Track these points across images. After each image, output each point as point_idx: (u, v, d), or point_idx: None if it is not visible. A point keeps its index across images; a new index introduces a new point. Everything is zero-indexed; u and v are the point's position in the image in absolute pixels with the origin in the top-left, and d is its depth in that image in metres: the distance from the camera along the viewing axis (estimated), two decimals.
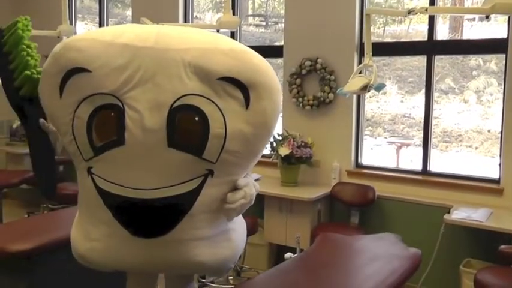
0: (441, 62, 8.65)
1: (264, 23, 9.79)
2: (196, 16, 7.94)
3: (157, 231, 2.09)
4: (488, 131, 9.53)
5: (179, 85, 1.99)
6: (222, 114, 2.01)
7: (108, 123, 2.02)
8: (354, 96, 5.71)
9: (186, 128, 2.00)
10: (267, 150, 5.76)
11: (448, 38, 7.56)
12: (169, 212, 2.06)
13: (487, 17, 3.52)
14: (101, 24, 8.23)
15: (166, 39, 2.05)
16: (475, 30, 8.32)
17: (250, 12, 10.25)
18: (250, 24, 9.70)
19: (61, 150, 2.40)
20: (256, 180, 5.61)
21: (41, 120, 2.34)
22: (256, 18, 10.09)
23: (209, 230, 2.17)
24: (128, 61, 2.01)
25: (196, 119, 1.99)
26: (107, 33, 2.10)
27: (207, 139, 1.99)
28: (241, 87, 2.03)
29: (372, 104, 8.52)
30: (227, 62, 2.03)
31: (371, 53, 4.07)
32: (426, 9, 3.70)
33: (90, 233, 2.19)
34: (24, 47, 2.46)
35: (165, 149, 1.99)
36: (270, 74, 2.11)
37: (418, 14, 3.68)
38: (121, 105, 2.00)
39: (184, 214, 2.08)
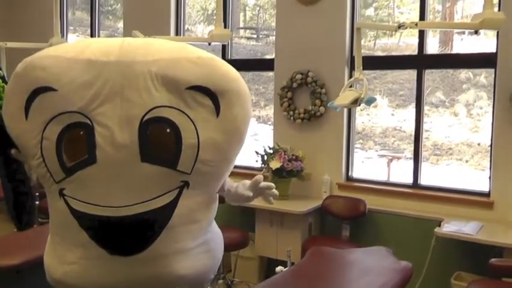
0: (431, 75, 8.70)
1: (255, 36, 9.83)
2: (187, 28, 7.96)
3: (135, 248, 2.04)
4: (478, 144, 9.58)
5: (148, 98, 1.97)
6: (194, 124, 1.99)
7: (78, 142, 1.97)
8: (345, 110, 5.73)
9: (158, 140, 1.98)
10: (257, 164, 5.78)
11: (438, 52, 7.61)
12: (147, 228, 2.03)
13: (476, 32, 3.53)
14: (92, 37, 8.23)
15: (130, 51, 2.02)
16: (465, 44, 8.39)
17: (241, 24, 10.28)
18: (242, 37, 9.73)
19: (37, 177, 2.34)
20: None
21: (13, 150, 2.22)
22: (248, 31, 10.12)
23: (189, 242, 2.14)
24: (94, 77, 1.98)
25: (168, 130, 1.97)
26: (70, 49, 2.06)
27: (181, 150, 1.97)
28: (210, 95, 2.01)
29: (363, 117, 8.55)
30: (195, 70, 2.02)
31: (361, 67, 4.09)
32: (416, 24, 3.73)
33: (65, 257, 2.12)
34: None
35: (138, 164, 1.96)
36: (239, 80, 2.10)
37: (408, 28, 3.69)
38: (90, 123, 1.96)
39: (163, 228, 2.04)
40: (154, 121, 1.96)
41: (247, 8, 10.24)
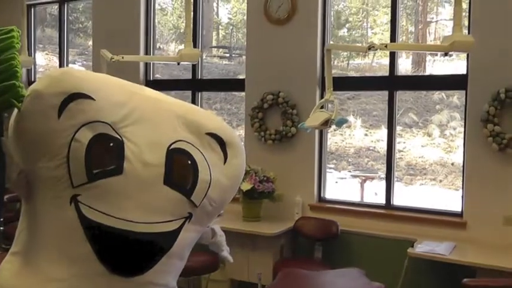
0: (404, 96, 8.81)
1: (228, 55, 9.87)
2: (159, 47, 7.99)
3: (137, 269, 2.05)
4: (452, 164, 9.69)
5: (173, 131, 2.16)
6: (207, 163, 2.17)
7: (107, 151, 2.04)
8: (317, 130, 5.77)
9: (180, 169, 2.12)
10: None
11: (411, 73, 7.71)
12: (151, 250, 2.06)
13: (446, 54, 3.60)
14: (60, 55, 8.18)
15: (154, 93, 2.28)
16: (438, 65, 8.52)
17: (214, 43, 10.32)
18: (214, 56, 9.77)
19: (14, 181, 2.29)
20: (217, 216, 5.62)
21: (3, 138, 2.21)
22: (220, 49, 10.17)
23: (171, 279, 2.18)
24: (126, 100, 2.14)
25: (189, 162, 2.13)
26: (100, 74, 2.23)
27: (196, 183, 2.12)
28: (221, 143, 2.26)
29: (336, 137, 8.62)
30: (212, 120, 2.31)
31: (332, 88, 4.13)
32: (386, 46, 3.77)
33: (53, 274, 2.03)
34: (16, 56, 2.38)
35: (161, 185, 2.05)
36: (238, 136, 2.41)
37: (379, 50, 3.75)
38: (120, 138, 2.04)
39: (163, 254, 2.07)
40: (178, 151, 2.12)
41: (220, 27, 10.29)
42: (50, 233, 2.09)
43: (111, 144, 2.04)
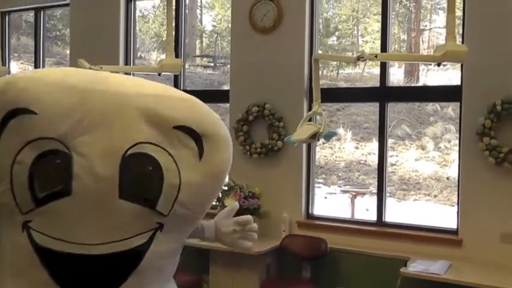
0: (397, 107, 8.82)
1: (212, 64, 9.87)
2: (140, 56, 7.97)
3: None
4: (447, 178, 9.71)
5: (133, 132, 1.96)
6: (176, 164, 1.99)
7: (54, 170, 1.93)
8: (305, 144, 5.76)
9: (139, 177, 1.96)
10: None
11: (403, 84, 7.73)
12: (117, 269, 1.99)
13: (439, 65, 3.59)
14: (36, 64, 8.14)
15: (118, 83, 2.03)
16: (432, 75, 8.56)
17: (198, 52, 10.32)
18: (198, 65, 9.76)
19: None
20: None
21: None
22: (204, 59, 10.17)
23: (159, 285, 2.12)
24: (78, 103, 1.95)
25: (150, 168, 1.96)
26: (53, 74, 2.04)
27: (161, 190, 1.96)
28: (195, 137, 2.04)
29: (326, 151, 8.63)
30: (184, 110, 2.05)
31: (320, 100, 4.10)
32: (376, 56, 3.77)
33: None
34: None
35: (116, 199, 1.92)
36: (222, 125, 2.16)
37: (369, 60, 3.73)
38: (68, 152, 1.92)
39: (132, 271, 2.00)
40: (137, 156, 1.94)
41: (204, 35, 10.29)
42: (12, 259, 2.07)
43: (58, 162, 1.93)
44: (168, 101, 2.04)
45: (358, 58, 3.61)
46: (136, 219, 1.97)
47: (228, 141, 2.15)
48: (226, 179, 5.93)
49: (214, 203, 5.66)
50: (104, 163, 1.91)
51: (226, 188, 5.74)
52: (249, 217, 2.55)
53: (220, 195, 5.68)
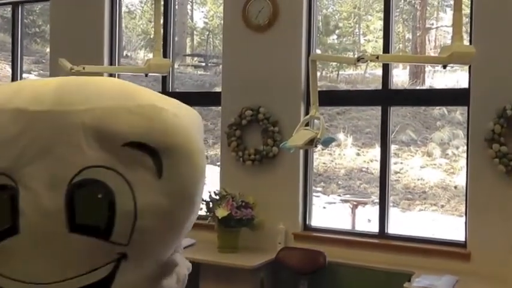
0: (401, 111, 8.85)
1: (203, 64, 9.88)
2: (126, 55, 7.97)
3: None
4: (455, 187, 9.73)
5: (79, 156, 1.78)
6: (131, 187, 1.80)
7: (1, 207, 1.79)
8: (302, 150, 5.76)
9: (88, 207, 1.80)
10: (202, 212, 5.75)
11: (407, 86, 7.75)
12: None
13: (445, 67, 3.61)
14: (14, 63, 8.12)
15: (65, 97, 1.82)
16: (438, 77, 8.58)
17: (188, 51, 10.33)
18: (188, 65, 9.77)
19: None
20: (188, 246, 5.59)
21: None
22: (195, 58, 10.19)
23: None
24: (22, 130, 1.79)
25: (100, 196, 1.78)
26: (1, 93, 1.83)
27: (114, 219, 1.78)
28: (150, 152, 1.80)
29: (325, 157, 8.64)
30: (133, 123, 1.79)
31: (317, 103, 4.12)
32: (377, 57, 3.79)
33: None
34: None
35: (66, 234, 1.78)
36: (187, 133, 1.99)
37: (369, 61, 3.75)
38: (15, 186, 1.92)
39: None
40: (84, 184, 1.77)
41: (195, 32, 10.31)
42: None
43: (5, 198, 1.79)
44: (115, 114, 1.81)
45: (358, 59, 3.61)
46: (91, 253, 1.81)
47: (193, 152, 1.85)
48: (217, 187, 5.94)
49: (204, 213, 5.69)
50: (50, 196, 1.77)
51: (217, 197, 5.74)
52: None
53: (211, 205, 5.69)
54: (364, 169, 9.39)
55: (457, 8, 3.51)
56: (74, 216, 1.78)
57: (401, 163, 9.40)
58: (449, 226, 8.26)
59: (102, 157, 1.80)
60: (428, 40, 9.13)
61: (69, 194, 1.78)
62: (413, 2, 8.91)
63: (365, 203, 8.71)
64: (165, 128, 1.83)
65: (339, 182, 9.42)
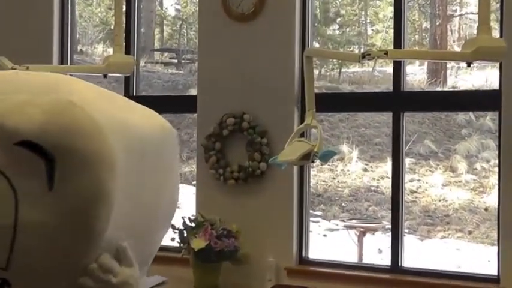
0: (418, 117, 8.87)
1: (175, 61, 9.87)
2: (81, 50, 7.99)
3: None
4: (485, 209, 9.76)
5: None
6: (16, 195, 1.85)
7: None
8: (296, 166, 5.77)
9: None
10: (174, 243, 5.75)
11: (425, 87, 7.76)
12: None
13: (469, 65, 3.61)
14: None
15: None
16: (462, 75, 8.61)
17: (157, 45, 10.33)
18: (157, 62, 9.76)
19: None
20: (157, 286, 5.58)
21: None
22: (166, 53, 10.18)
23: None
24: None
25: None
26: None
27: None
28: (44, 156, 1.86)
29: (325, 174, 8.66)
30: (30, 118, 1.87)
31: (314, 109, 4.13)
32: (386, 53, 3.77)
33: None
34: None
35: None
36: (95, 137, 1.93)
37: (377, 58, 3.76)
38: None
39: None
40: None
41: (165, 22, 10.30)
42: None
43: None
44: (19, 107, 1.88)
45: (363, 56, 3.60)
46: None
47: (97, 161, 1.91)
48: (193, 214, 5.94)
49: (178, 245, 5.69)
50: None
51: (192, 224, 5.74)
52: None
53: (185, 235, 5.69)
54: (373, 188, 9.41)
55: None
56: None
57: (419, 180, 9.43)
58: (479, 257, 8.29)
59: None
60: (451, 30, 9.18)
61: None
62: None
63: (374, 230, 8.72)
64: (66, 127, 1.88)
65: (343, 205, 9.43)
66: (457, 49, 6.97)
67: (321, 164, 7.17)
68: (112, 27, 8.45)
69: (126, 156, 2.04)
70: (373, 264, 5.98)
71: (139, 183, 2.15)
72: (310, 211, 6.18)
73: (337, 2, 8.99)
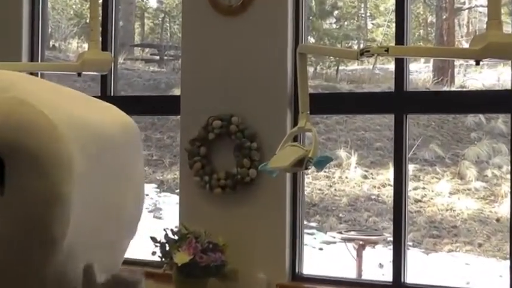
0: (422, 119, 8.89)
1: (157, 57, 9.88)
2: (53, 46, 7.98)
3: None
4: (497, 220, 9.79)
5: None
6: None
7: None
8: (288, 174, 5.77)
9: None
10: (155, 257, 5.75)
11: (430, 87, 7.79)
12: None
13: (478, 63, 3.62)
14: None
15: None
16: (472, 74, 8.64)
17: (137, 39, 10.33)
18: (137, 59, 9.76)
19: None
20: None
21: None
22: (147, 49, 10.19)
23: None
24: None
25: None
26: None
27: None
28: None
29: (321, 182, 8.67)
30: None
31: (308, 111, 4.14)
32: (387, 50, 3.77)
33: None
34: None
35: None
36: (49, 135, 1.96)
37: (377, 55, 3.76)
38: None
39: None
40: None
41: (146, 15, 10.31)
42: None
43: None
44: None
45: (362, 53, 3.60)
46: None
47: (52, 161, 1.93)
48: (176, 225, 5.94)
49: (159, 259, 5.69)
50: None
51: (175, 237, 5.74)
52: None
53: (167, 248, 5.69)
54: (373, 197, 9.43)
55: None
56: None
57: (424, 188, 9.45)
58: (490, 272, 8.32)
59: None
60: (459, 25, 9.21)
61: None
62: None
63: (375, 243, 8.74)
64: (17, 126, 1.92)
65: (340, 215, 9.45)
66: (466, 45, 7.00)
67: (316, 171, 7.15)
68: (87, 20, 8.47)
69: (84, 155, 2.05)
70: (374, 281, 5.97)
71: (100, 183, 2.16)
72: (305, 222, 6.20)
73: None
